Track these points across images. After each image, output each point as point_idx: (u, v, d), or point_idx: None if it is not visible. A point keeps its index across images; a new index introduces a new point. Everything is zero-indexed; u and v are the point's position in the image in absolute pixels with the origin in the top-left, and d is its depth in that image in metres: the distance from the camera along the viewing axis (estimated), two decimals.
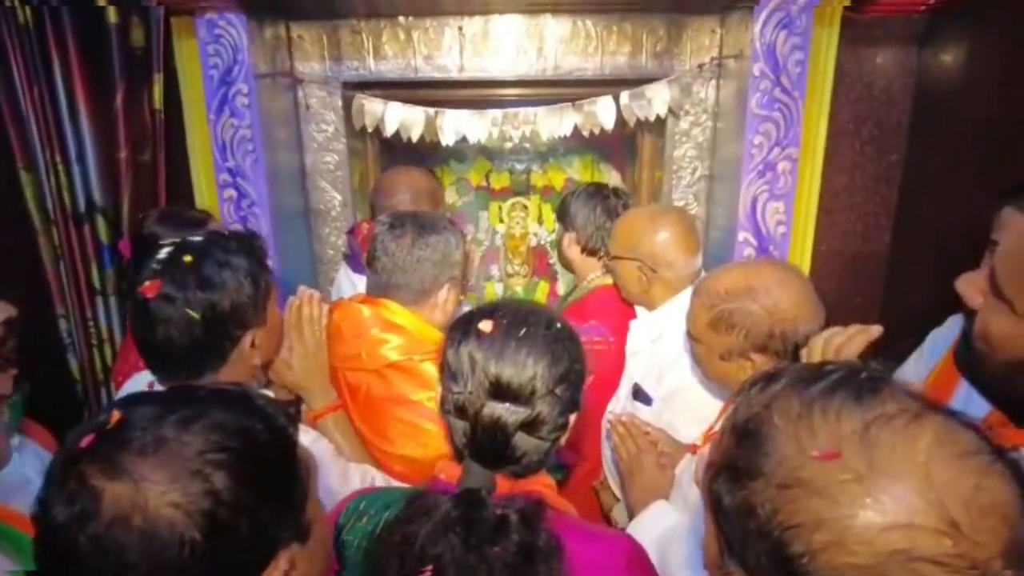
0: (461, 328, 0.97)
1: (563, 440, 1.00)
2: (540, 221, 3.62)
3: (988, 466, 0.48)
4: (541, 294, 3.65)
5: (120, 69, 1.81)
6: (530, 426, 0.92)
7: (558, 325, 0.98)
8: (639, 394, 1.63)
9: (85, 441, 0.61)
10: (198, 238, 1.17)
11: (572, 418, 0.98)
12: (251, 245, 1.18)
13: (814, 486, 0.50)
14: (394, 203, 1.95)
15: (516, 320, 0.95)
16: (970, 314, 0.90)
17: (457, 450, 0.98)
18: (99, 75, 1.83)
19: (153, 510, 0.58)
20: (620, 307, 1.89)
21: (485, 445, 0.93)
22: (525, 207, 3.62)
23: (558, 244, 2.10)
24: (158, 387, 1.19)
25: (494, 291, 3.63)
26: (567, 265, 2.12)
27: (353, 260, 2.05)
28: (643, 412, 1.60)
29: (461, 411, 0.93)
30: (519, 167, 3.55)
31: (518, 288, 3.65)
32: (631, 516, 1.42)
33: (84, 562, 0.57)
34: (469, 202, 3.49)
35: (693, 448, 1.41)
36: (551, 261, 3.65)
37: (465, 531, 0.82)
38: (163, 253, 1.11)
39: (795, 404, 0.55)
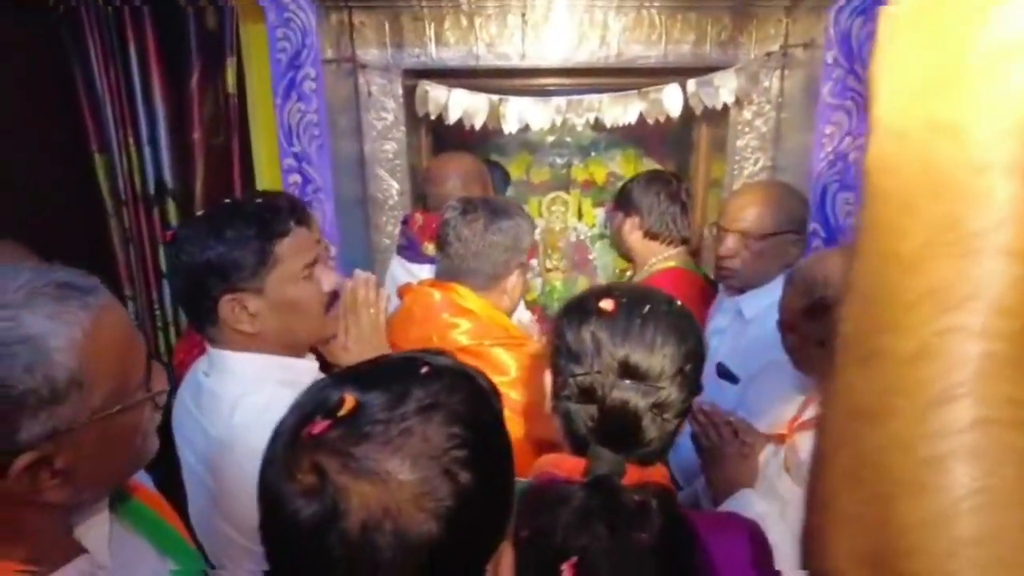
0: (578, 308, 0.94)
1: (683, 426, 0.96)
2: (580, 216, 3.60)
3: None
4: (581, 290, 3.63)
5: (196, 52, 1.82)
6: (659, 408, 0.89)
7: (677, 303, 0.96)
8: (724, 373, 1.61)
9: (317, 428, 0.56)
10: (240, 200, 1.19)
11: (694, 402, 0.95)
12: (271, 216, 1.13)
13: None
14: (446, 189, 1.95)
15: (636, 298, 0.92)
16: None
17: (577, 438, 0.93)
18: (174, 58, 1.84)
19: (406, 513, 0.54)
20: (686, 288, 1.88)
21: (615, 429, 0.89)
22: (565, 202, 3.61)
23: (616, 230, 2.09)
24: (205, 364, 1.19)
25: (533, 286, 3.62)
26: (625, 251, 2.11)
27: (409, 250, 2.05)
28: (728, 391, 1.58)
29: (588, 394, 0.89)
30: (560, 161, 3.54)
31: (557, 283, 3.63)
32: (715, 504, 1.40)
33: (334, 563, 0.54)
34: (510, 196, 3.48)
35: (779, 438, 1.39)
36: (591, 256, 3.63)
37: (611, 519, 0.80)
38: None
39: None
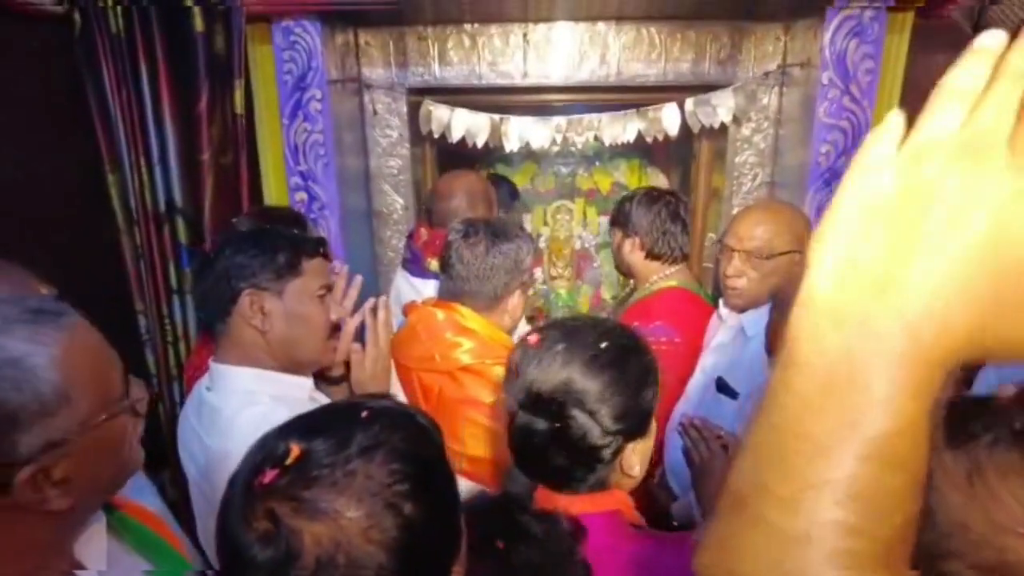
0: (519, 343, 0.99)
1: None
2: (584, 224, 3.63)
3: None
4: (585, 298, 3.65)
5: (204, 75, 1.86)
6: (561, 439, 0.93)
7: (622, 345, 0.98)
8: (723, 388, 1.64)
9: (268, 477, 0.60)
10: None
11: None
12: (304, 239, 1.28)
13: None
14: (452, 206, 1.98)
15: (566, 335, 0.96)
16: None
17: None
18: (184, 80, 1.88)
19: (356, 548, 0.58)
20: (686, 308, 1.89)
21: (521, 454, 0.97)
22: (570, 210, 3.63)
23: (616, 249, 2.11)
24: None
25: (538, 295, 3.65)
26: (626, 270, 2.13)
27: (413, 264, 2.08)
28: (727, 406, 1.61)
29: (509, 421, 0.96)
30: (565, 170, 3.57)
31: (562, 291, 3.66)
32: (703, 518, 1.43)
33: None
34: (517, 208, 3.49)
35: None
36: (595, 264, 3.65)
37: (494, 535, 0.85)
38: None
39: (960, 467, 0.52)
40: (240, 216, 1.73)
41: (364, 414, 0.67)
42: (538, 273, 3.64)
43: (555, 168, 3.56)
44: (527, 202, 3.53)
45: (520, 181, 3.46)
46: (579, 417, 0.90)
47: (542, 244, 3.61)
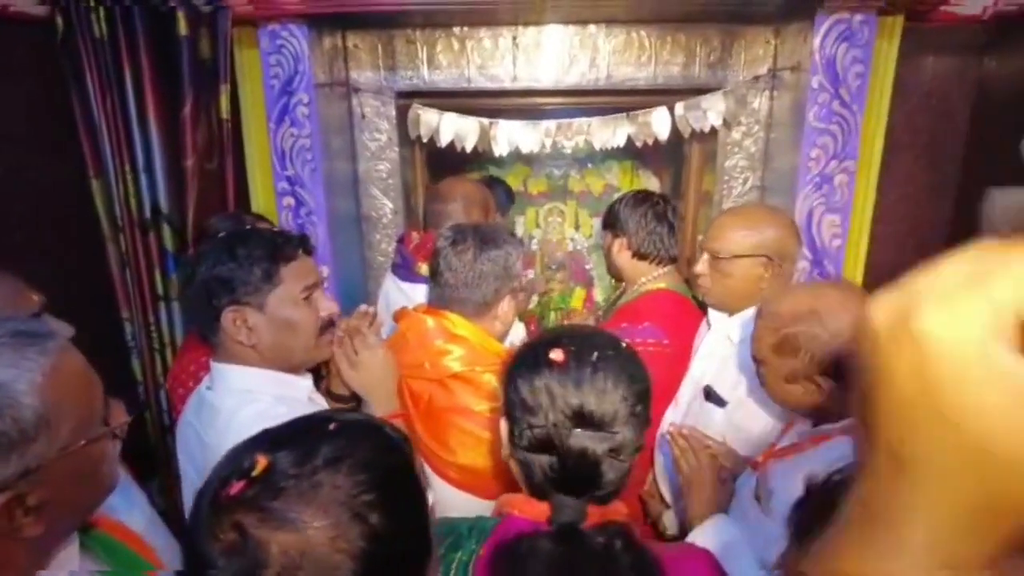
0: (528, 361, 0.95)
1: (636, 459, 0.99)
2: (576, 226, 3.63)
3: None
4: (578, 300, 3.65)
5: (189, 80, 1.85)
6: (615, 452, 0.91)
7: (623, 344, 0.99)
8: (711, 396, 1.63)
9: (234, 489, 0.60)
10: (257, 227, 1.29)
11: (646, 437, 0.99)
12: (282, 242, 1.24)
13: None
14: (448, 211, 1.97)
15: (585, 345, 0.94)
16: None
17: (535, 486, 0.95)
18: (168, 86, 1.87)
19: (323, 557, 0.58)
20: (674, 310, 1.88)
21: (574, 476, 0.91)
22: (562, 212, 3.63)
23: (606, 251, 2.10)
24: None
25: (531, 297, 3.64)
26: (616, 272, 2.12)
27: (403, 269, 2.07)
28: (715, 414, 1.60)
29: (545, 446, 0.91)
30: (557, 172, 3.56)
31: (554, 293, 3.66)
32: (690, 527, 1.42)
33: None
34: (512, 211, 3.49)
35: (754, 464, 1.41)
36: (587, 266, 3.65)
37: (579, 566, 0.83)
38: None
39: None
40: (216, 217, 1.71)
41: (332, 426, 0.67)
42: (529, 275, 3.63)
43: (547, 170, 3.56)
44: (520, 204, 3.53)
45: (512, 183, 3.46)
46: (624, 429, 0.91)
47: (534, 247, 3.61)
